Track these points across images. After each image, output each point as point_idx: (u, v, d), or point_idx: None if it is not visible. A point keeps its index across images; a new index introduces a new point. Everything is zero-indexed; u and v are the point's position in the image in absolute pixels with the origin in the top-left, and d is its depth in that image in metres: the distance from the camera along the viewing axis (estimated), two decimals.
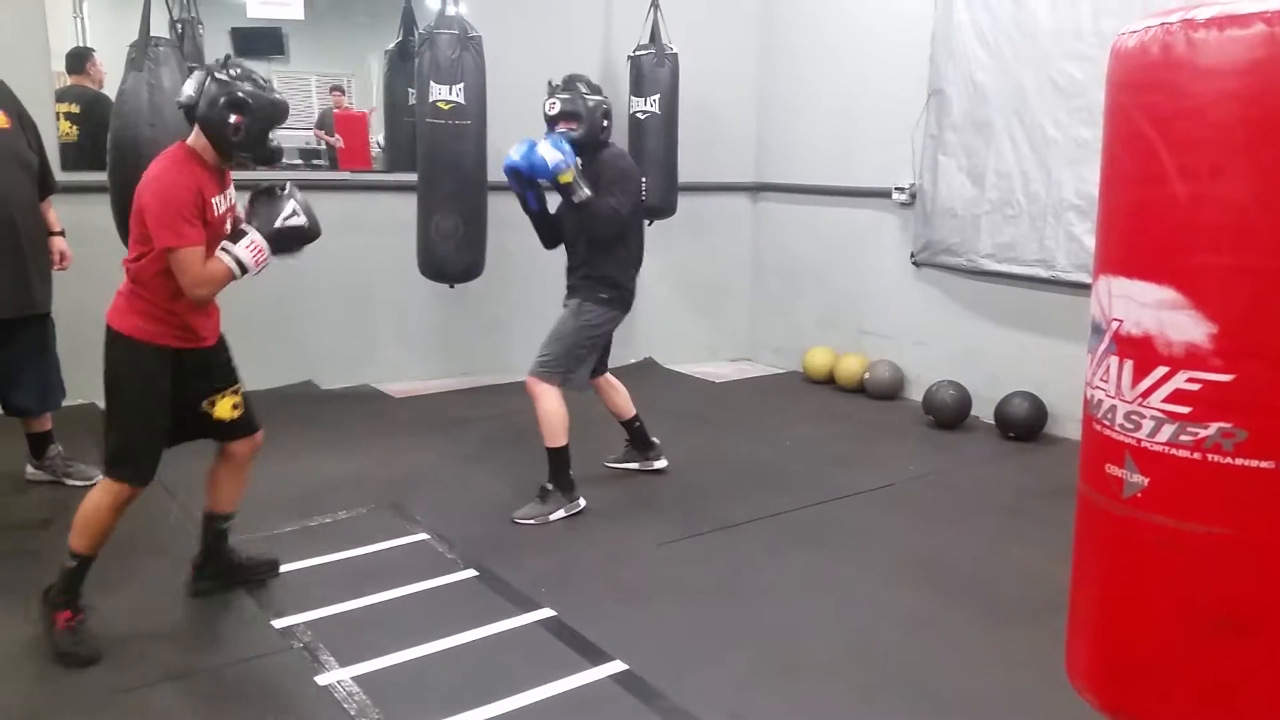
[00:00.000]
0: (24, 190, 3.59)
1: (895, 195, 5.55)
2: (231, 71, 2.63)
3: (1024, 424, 4.76)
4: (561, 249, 3.89)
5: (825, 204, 6.06)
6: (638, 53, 5.62)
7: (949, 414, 5.03)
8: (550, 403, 3.64)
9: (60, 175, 3.98)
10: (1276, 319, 0.95)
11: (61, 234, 3.81)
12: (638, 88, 5.62)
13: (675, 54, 5.58)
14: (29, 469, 3.90)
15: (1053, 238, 4.71)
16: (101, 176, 4.11)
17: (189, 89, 2.60)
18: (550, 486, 3.66)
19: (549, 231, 3.85)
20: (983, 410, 5.00)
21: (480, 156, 4.80)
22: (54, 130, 4.65)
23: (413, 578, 3.16)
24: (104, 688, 2.50)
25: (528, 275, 5.33)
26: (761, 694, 2.52)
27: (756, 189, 6.51)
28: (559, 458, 3.67)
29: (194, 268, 2.62)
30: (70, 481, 3.86)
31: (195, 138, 2.65)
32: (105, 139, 4.23)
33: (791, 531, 3.63)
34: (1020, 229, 4.87)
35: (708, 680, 2.57)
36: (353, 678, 2.56)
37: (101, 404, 2.86)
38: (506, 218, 4.47)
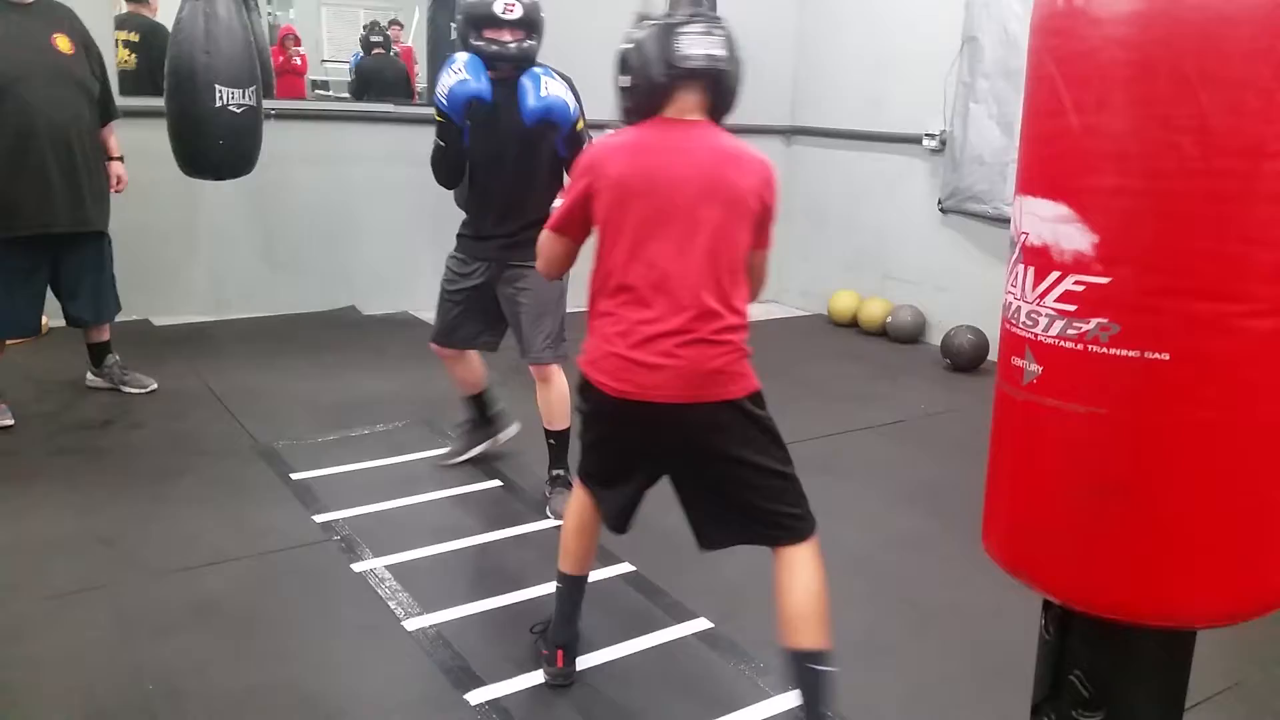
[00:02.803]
0: (82, 114, 3.78)
1: (925, 142, 5.64)
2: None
3: None
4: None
5: (857, 149, 6.16)
6: None
7: (966, 358, 5.17)
8: (564, 382, 3.20)
9: (119, 100, 4.19)
10: (1144, 230, 1.11)
11: (120, 159, 4.03)
12: None
13: None
14: (89, 376, 4.18)
15: None
16: (157, 102, 4.32)
17: (714, 48, 1.93)
18: (563, 472, 3.27)
19: (459, 170, 3.14)
20: None
21: None
22: (113, 57, 4.86)
23: (442, 485, 3.41)
24: (160, 566, 2.76)
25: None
26: (753, 599, 2.72)
27: (790, 132, 6.61)
28: (566, 439, 3.26)
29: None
30: (126, 389, 4.14)
31: (700, 107, 1.98)
32: (161, 66, 4.43)
33: (798, 460, 3.78)
34: None
35: (701, 581, 2.77)
36: (386, 566, 2.81)
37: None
38: None
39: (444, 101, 2.87)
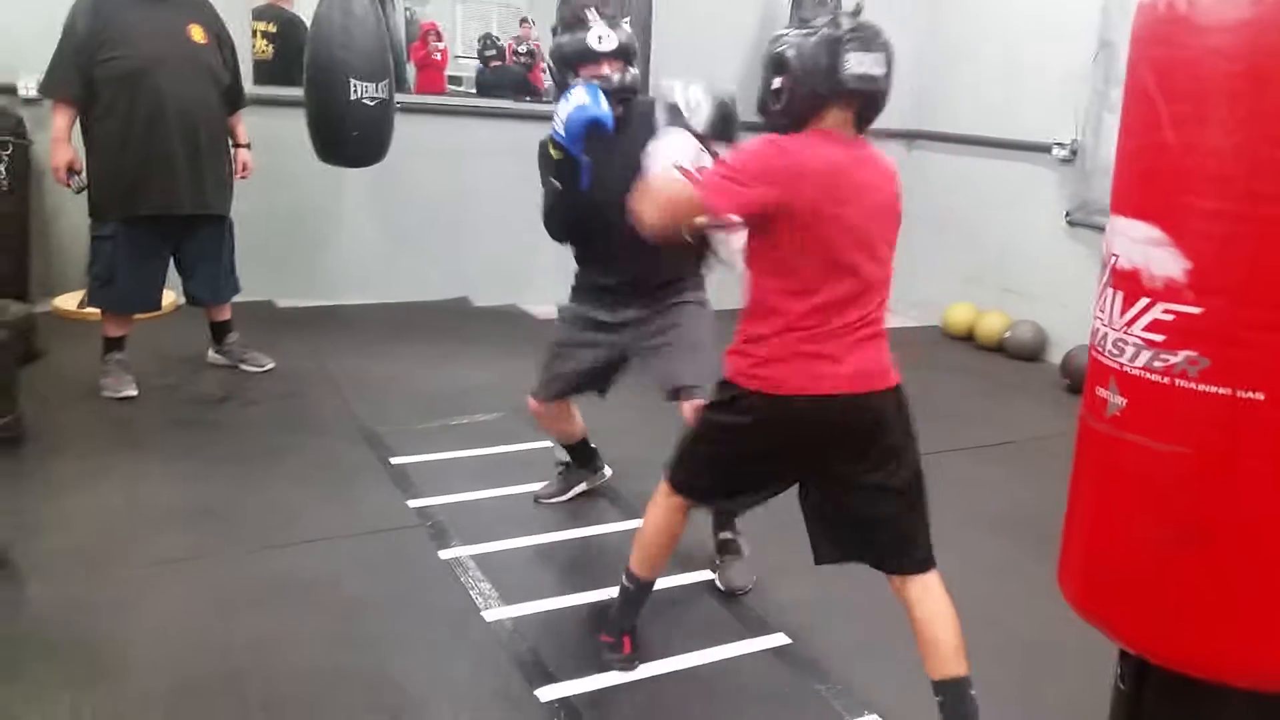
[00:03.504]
0: (210, 102, 3.94)
1: (1055, 151, 5.42)
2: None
3: None
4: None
5: (981, 155, 5.96)
6: None
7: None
8: None
9: (252, 89, 4.36)
10: (1241, 258, 1.02)
11: (247, 146, 4.20)
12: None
13: None
14: (210, 353, 4.37)
15: None
16: (290, 92, 4.49)
17: (876, 66, 1.93)
18: (733, 537, 2.86)
19: (575, 215, 2.79)
20: None
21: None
22: (249, 47, 5.06)
23: (536, 478, 3.43)
24: (259, 541, 2.87)
25: None
26: (832, 619, 2.66)
27: (912, 136, 6.43)
28: None
29: None
30: (245, 366, 4.31)
31: (850, 122, 1.99)
32: (297, 58, 4.62)
33: None
34: None
35: (782, 597, 2.73)
36: (472, 555, 2.85)
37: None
38: None
39: (561, 132, 2.56)
